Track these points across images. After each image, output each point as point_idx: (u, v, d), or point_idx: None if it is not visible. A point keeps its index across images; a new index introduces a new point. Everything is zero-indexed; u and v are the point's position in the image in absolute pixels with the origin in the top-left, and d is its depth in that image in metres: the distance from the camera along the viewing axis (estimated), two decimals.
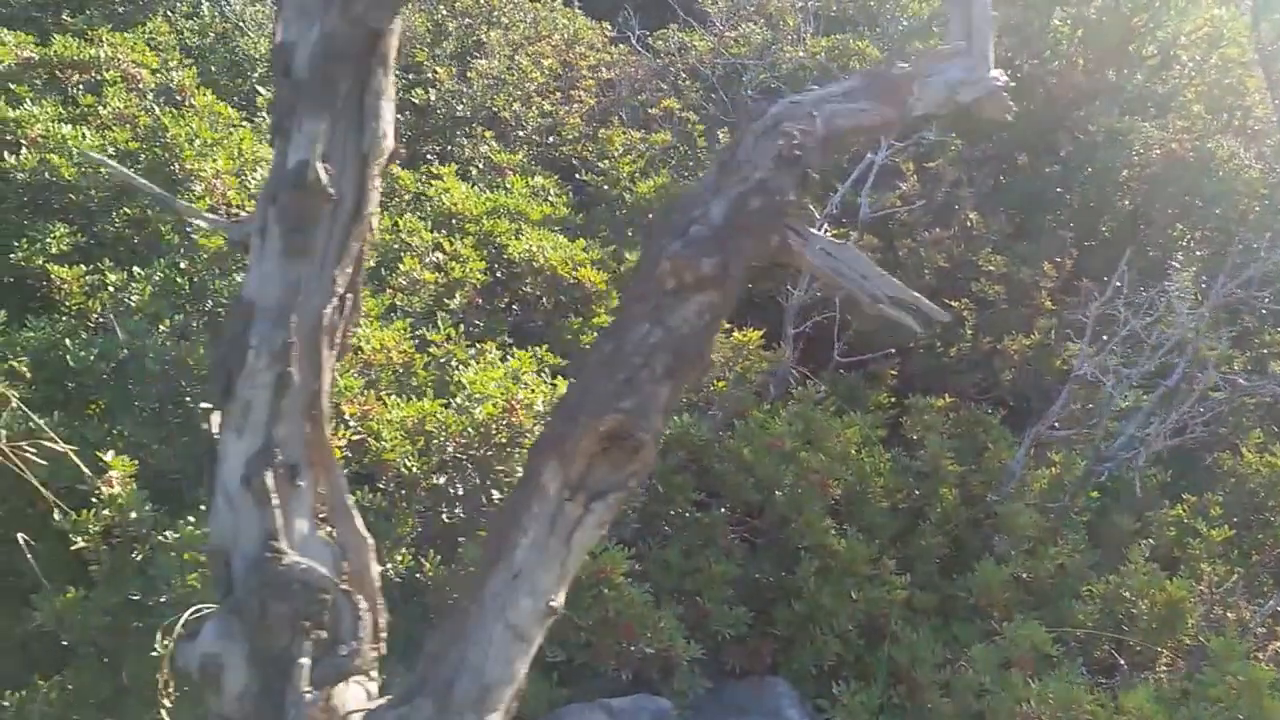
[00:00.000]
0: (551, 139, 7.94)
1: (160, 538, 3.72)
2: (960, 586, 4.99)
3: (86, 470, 3.69)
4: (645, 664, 4.29)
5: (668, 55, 9.02)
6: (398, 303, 5.13)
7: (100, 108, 5.48)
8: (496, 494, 4.20)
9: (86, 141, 5.17)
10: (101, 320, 4.59)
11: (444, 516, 4.21)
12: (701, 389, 5.43)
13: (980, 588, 4.87)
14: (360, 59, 2.32)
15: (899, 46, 8.61)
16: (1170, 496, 5.68)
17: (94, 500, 3.76)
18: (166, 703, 3.00)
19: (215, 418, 2.48)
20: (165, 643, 3.27)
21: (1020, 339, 6.62)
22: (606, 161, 7.40)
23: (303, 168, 2.30)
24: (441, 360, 4.73)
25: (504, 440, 4.25)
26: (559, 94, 8.34)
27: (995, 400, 6.48)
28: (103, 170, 4.96)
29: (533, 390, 4.42)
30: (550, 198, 6.66)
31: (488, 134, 7.42)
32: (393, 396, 4.35)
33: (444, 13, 8.62)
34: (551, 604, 2.49)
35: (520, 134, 7.82)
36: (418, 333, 4.83)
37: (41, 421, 3.75)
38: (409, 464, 4.15)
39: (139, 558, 3.82)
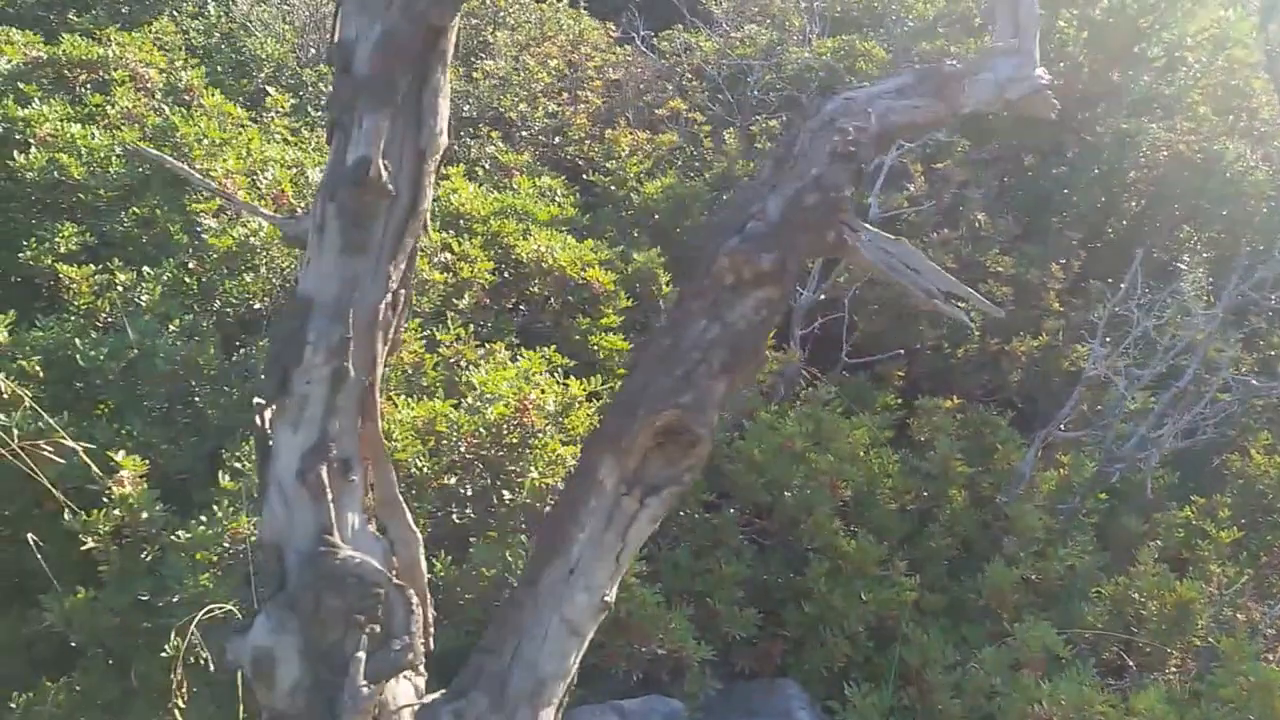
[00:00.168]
0: (557, 139, 7.94)
1: (173, 538, 3.71)
2: (969, 588, 4.97)
3: (97, 470, 3.68)
4: (655, 665, 4.27)
5: (673, 56, 9.03)
6: None
7: (109, 107, 5.48)
8: (507, 494, 4.19)
9: (96, 140, 5.16)
10: (110, 320, 4.59)
11: (454, 517, 4.20)
12: None
13: (990, 589, 4.86)
14: (420, 56, 2.34)
15: (904, 48, 8.61)
16: (1178, 498, 5.65)
17: (105, 500, 3.75)
18: (180, 703, 2.99)
19: (268, 413, 2.49)
20: (178, 643, 3.27)
21: (1028, 340, 6.61)
22: (613, 162, 7.39)
23: (363, 164, 2.31)
24: (451, 360, 4.72)
25: (515, 441, 4.23)
26: (565, 94, 8.34)
27: (1002, 401, 6.47)
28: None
29: (544, 391, 4.41)
30: (557, 198, 6.65)
31: (494, 134, 7.42)
32: (402, 396, 4.34)
33: None
34: (605, 599, 2.53)
35: (526, 134, 7.81)
36: (426, 333, 4.82)
37: (52, 421, 3.74)
38: (419, 464, 4.14)
39: (148, 558, 3.81)
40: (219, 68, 7.05)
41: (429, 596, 2.65)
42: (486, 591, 3.96)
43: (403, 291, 2.49)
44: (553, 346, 4.90)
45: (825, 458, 5.05)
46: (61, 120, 5.27)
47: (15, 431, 3.60)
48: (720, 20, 9.59)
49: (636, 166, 7.32)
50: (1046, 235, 7.37)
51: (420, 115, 2.38)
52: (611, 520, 2.47)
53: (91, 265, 4.71)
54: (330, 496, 2.42)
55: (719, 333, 2.40)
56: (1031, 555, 5.05)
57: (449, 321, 4.94)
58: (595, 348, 5.46)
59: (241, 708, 3.18)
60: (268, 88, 6.72)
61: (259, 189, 5.08)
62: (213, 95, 5.83)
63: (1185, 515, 5.44)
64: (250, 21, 7.71)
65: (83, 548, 3.71)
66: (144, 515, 3.78)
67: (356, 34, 2.33)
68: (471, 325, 5.05)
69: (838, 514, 4.93)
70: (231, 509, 3.77)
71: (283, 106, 6.31)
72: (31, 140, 5.15)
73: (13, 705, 3.76)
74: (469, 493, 4.26)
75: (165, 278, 4.73)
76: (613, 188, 7.24)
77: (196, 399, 4.45)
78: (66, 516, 3.69)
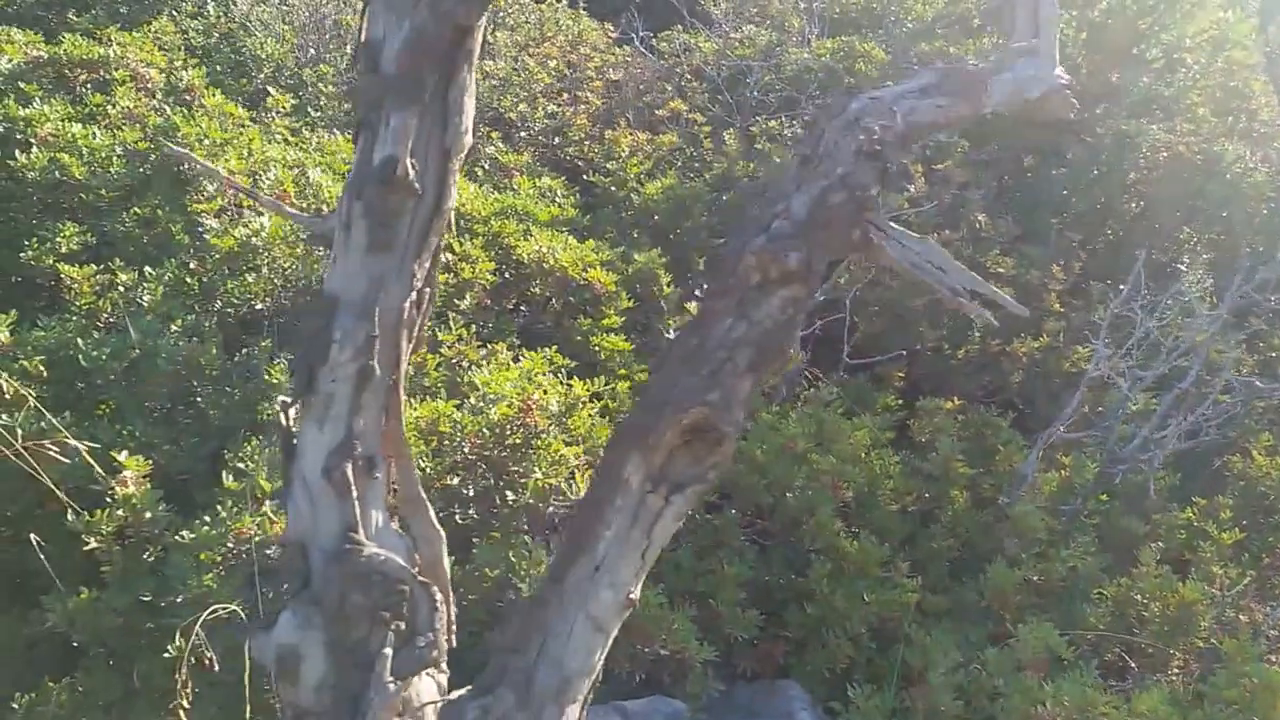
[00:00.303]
0: (557, 140, 7.94)
1: (176, 538, 3.70)
2: (971, 589, 4.97)
3: (100, 470, 3.67)
4: (658, 666, 4.27)
5: (672, 57, 9.02)
6: None
7: (110, 107, 5.47)
8: (510, 495, 4.18)
9: (97, 140, 5.16)
10: (112, 320, 4.57)
11: (457, 517, 4.18)
12: None
13: (992, 590, 4.86)
14: (447, 55, 2.34)
15: (904, 49, 8.62)
16: (1179, 499, 5.65)
17: (108, 500, 3.74)
18: (185, 703, 2.98)
19: (292, 411, 2.50)
20: (181, 644, 3.26)
21: (1028, 341, 6.61)
22: (613, 163, 7.39)
23: (390, 163, 2.32)
24: (453, 361, 4.71)
25: (518, 441, 4.23)
26: (565, 95, 8.33)
27: (1003, 403, 6.47)
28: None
29: (546, 391, 4.41)
30: (558, 199, 6.64)
31: (494, 135, 7.41)
32: (405, 397, 4.32)
33: None
34: (630, 596, 2.54)
35: (526, 135, 7.81)
36: (428, 333, 4.80)
37: (55, 420, 3.73)
38: (422, 464, 4.13)
39: (151, 559, 3.81)
40: (218, 68, 7.04)
41: (451, 594, 2.65)
42: (490, 592, 3.96)
43: (427, 290, 2.50)
44: (554, 347, 4.89)
45: (827, 459, 5.06)
46: (62, 120, 5.26)
47: (19, 432, 3.58)
48: (719, 21, 9.59)
49: (636, 167, 7.31)
50: (1046, 236, 7.38)
51: (446, 114, 2.39)
52: (637, 518, 2.48)
53: (93, 265, 4.70)
54: (355, 494, 2.43)
55: (745, 331, 2.41)
56: (1033, 556, 5.05)
57: (450, 322, 4.93)
58: (596, 348, 5.46)
59: (249, 709, 3.17)
60: (269, 88, 6.71)
61: (261, 189, 5.07)
62: (214, 95, 5.82)
63: (1186, 516, 5.44)
64: (249, 22, 7.71)
65: (85, 548, 3.70)
66: (147, 515, 3.77)
67: (384, 33, 2.34)
68: (473, 325, 5.04)
69: (839, 515, 4.94)
70: (235, 509, 3.76)
71: (283, 107, 6.31)
72: (33, 140, 5.14)
73: (15, 706, 3.74)
74: (472, 493, 4.25)
75: (167, 278, 4.72)
76: (613, 188, 7.23)
77: (198, 399, 4.44)
78: (69, 517, 3.68)
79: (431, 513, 2.64)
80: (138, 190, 5.17)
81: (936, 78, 2.62)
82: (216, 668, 3.23)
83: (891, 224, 2.48)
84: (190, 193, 5.11)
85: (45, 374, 4.21)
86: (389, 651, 2.43)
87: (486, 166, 7.06)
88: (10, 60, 5.69)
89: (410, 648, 2.50)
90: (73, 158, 5.03)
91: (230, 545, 3.70)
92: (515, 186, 6.54)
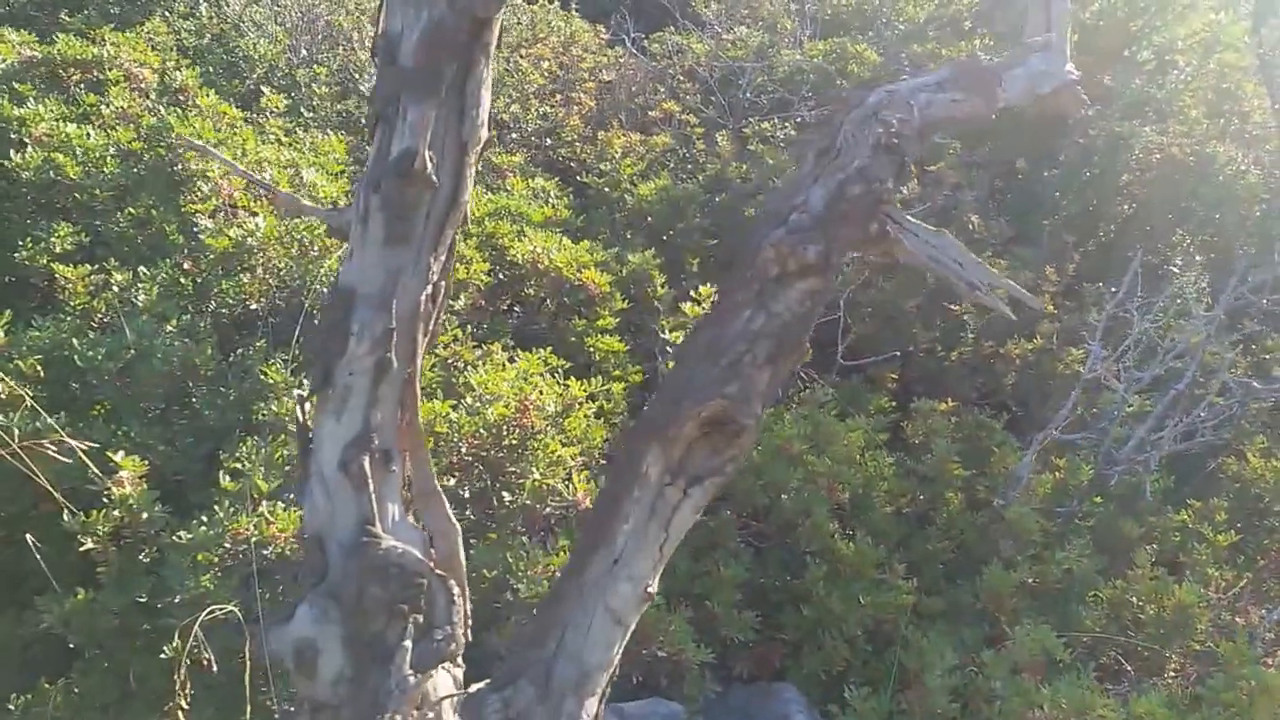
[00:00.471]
0: (550, 141, 7.92)
1: (173, 539, 3.69)
2: (967, 591, 4.96)
3: (96, 471, 3.65)
4: (654, 668, 4.26)
5: (664, 58, 9.02)
6: None
7: (103, 107, 5.46)
8: (507, 495, 4.18)
9: (92, 140, 5.14)
10: (106, 320, 4.56)
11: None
12: None
13: (988, 592, 4.86)
14: (465, 47, 2.34)
15: (895, 51, 8.63)
16: (1174, 502, 5.66)
17: (104, 501, 3.73)
18: (183, 704, 2.97)
19: (308, 404, 2.50)
20: (178, 645, 3.25)
21: (1022, 343, 6.62)
22: (606, 164, 7.39)
23: (408, 156, 2.32)
24: (449, 361, 4.70)
25: (515, 442, 4.22)
26: (558, 96, 8.32)
27: (996, 404, 6.47)
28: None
29: (543, 392, 4.40)
30: (551, 200, 6.63)
31: None
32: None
33: None
34: (649, 589, 2.56)
35: (519, 136, 7.80)
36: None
37: (51, 421, 3.71)
38: None
39: (147, 559, 3.79)
40: (211, 68, 7.02)
41: (467, 588, 2.65)
42: (487, 593, 3.95)
43: (442, 283, 2.51)
44: (549, 348, 4.89)
45: (822, 460, 5.06)
46: (57, 120, 5.24)
47: (15, 432, 3.57)
48: (711, 22, 9.59)
49: (630, 168, 7.31)
50: (1039, 238, 7.38)
51: (463, 107, 2.39)
52: (655, 511, 2.50)
53: (87, 265, 4.68)
54: (372, 487, 2.44)
55: (764, 323, 2.43)
56: (1028, 559, 5.06)
57: (445, 322, 4.92)
58: (591, 349, 5.45)
59: (249, 709, 3.16)
60: (263, 88, 6.69)
61: (255, 189, 5.06)
62: (207, 95, 5.80)
63: (1182, 519, 5.44)
64: (242, 22, 7.68)
65: (81, 549, 3.68)
66: (143, 516, 3.75)
67: (401, 26, 2.33)
68: (468, 326, 5.04)
69: (835, 517, 4.93)
70: (232, 510, 3.74)
71: (277, 107, 6.29)
72: (27, 140, 5.12)
73: (11, 707, 3.73)
74: (468, 494, 4.24)
75: (161, 278, 4.69)
76: (606, 189, 7.22)
77: (193, 399, 4.42)
78: (65, 517, 3.66)
79: (447, 506, 2.65)
80: (132, 190, 5.15)
81: (952, 72, 2.64)
82: (214, 669, 3.22)
83: (909, 217, 2.49)
84: (185, 193, 5.10)
85: (40, 374, 4.19)
86: (408, 644, 2.43)
87: (480, 167, 7.02)
88: (4, 60, 5.67)
89: (428, 641, 2.50)
90: (67, 158, 5.01)
91: (227, 546, 3.68)
92: (509, 187, 6.53)
